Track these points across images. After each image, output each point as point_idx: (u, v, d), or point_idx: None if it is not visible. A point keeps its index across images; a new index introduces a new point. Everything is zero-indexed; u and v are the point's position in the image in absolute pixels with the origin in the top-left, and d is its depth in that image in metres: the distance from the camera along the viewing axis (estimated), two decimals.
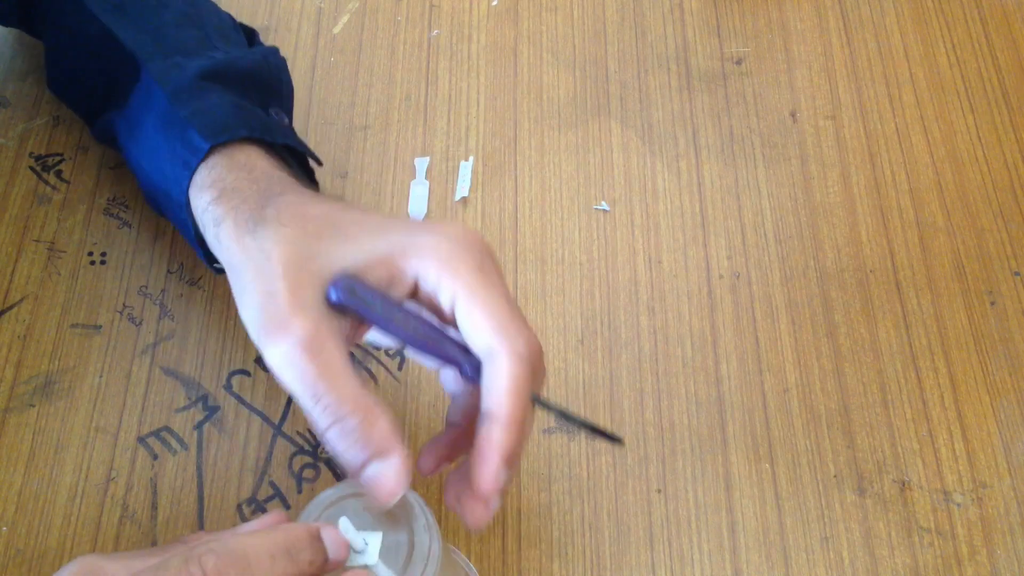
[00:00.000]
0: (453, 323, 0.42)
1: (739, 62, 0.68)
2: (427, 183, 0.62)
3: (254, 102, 0.52)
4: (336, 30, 0.69)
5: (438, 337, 0.43)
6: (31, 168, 0.62)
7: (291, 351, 0.39)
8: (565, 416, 0.45)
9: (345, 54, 0.67)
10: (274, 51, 0.56)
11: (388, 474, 0.40)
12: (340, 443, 0.39)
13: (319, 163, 0.54)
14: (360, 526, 0.41)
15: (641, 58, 0.68)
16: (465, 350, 0.42)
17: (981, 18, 0.70)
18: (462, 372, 0.42)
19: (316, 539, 0.38)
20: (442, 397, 0.56)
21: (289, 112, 0.56)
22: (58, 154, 0.63)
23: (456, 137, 0.64)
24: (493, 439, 0.40)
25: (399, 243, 0.42)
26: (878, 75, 0.67)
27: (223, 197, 0.46)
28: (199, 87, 0.50)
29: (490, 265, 0.42)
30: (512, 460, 0.40)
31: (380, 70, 0.67)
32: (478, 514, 0.41)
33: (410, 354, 0.53)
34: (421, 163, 0.63)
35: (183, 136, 0.49)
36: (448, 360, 0.43)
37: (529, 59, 0.68)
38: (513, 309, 0.41)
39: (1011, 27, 0.69)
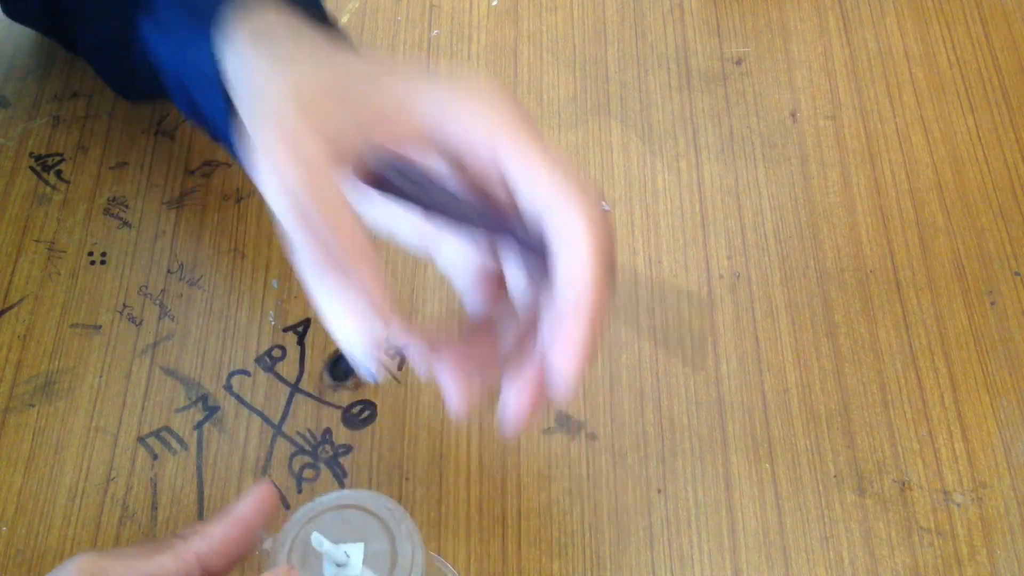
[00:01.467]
0: (484, 184, 0.35)
1: (739, 62, 0.68)
2: None
3: None
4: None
5: (481, 204, 0.35)
6: (31, 168, 0.62)
7: (292, 168, 0.34)
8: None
9: None
10: None
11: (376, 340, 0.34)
12: (332, 284, 0.35)
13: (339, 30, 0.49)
14: (340, 538, 0.40)
15: (641, 58, 0.68)
16: (516, 217, 0.34)
17: (981, 18, 0.70)
18: (520, 242, 0.34)
19: None
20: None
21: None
22: (58, 154, 0.63)
23: None
24: (569, 333, 0.33)
25: (429, 96, 0.35)
26: (878, 75, 0.67)
27: (252, 39, 0.40)
28: None
29: (531, 120, 0.34)
30: (591, 356, 0.33)
31: None
32: (536, 414, 0.35)
33: (425, 240, 0.40)
34: None
35: (206, 3, 0.43)
36: (501, 229, 0.34)
37: (529, 59, 0.68)
38: (575, 171, 0.33)
39: (1011, 27, 0.69)
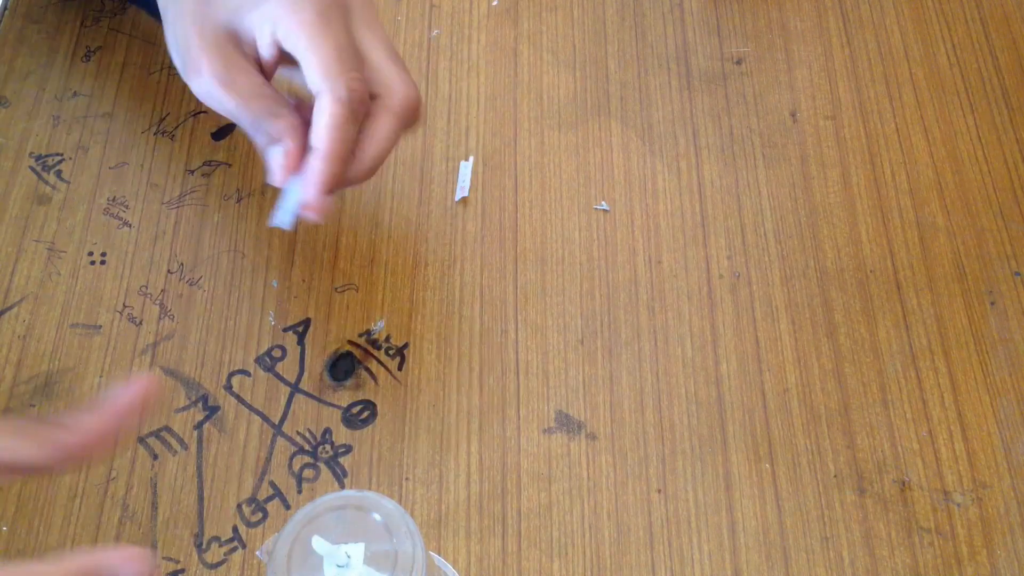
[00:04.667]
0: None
1: (739, 62, 0.68)
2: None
3: None
4: None
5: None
6: (31, 168, 0.62)
7: (208, 86, 0.47)
8: None
9: None
10: None
11: (277, 156, 0.47)
12: (255, 136, 0.48)
13: None
14: (341, 539, 0.40)
15: (641, 58, 0.68)
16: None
17: (981, 18, 0.70)
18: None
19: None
20: (442, 397, 0.56)
21: None
22: (58, 154, 0.63)
23: (456, 137, 0.64)
24: (314, 168, 0.46)
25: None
26: (878, 75, 0.67)
27: None
28: None
29: (335, 11, 0.47)
30: (336, 183, 0.47)
31: None
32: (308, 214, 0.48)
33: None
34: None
35: None
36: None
37: (529, 59, 0.68)
38: (342, 52, 0.46)
39: (1011, 27, 0.69)
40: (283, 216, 0.48)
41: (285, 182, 0.48)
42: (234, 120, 0.48)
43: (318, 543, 0.39)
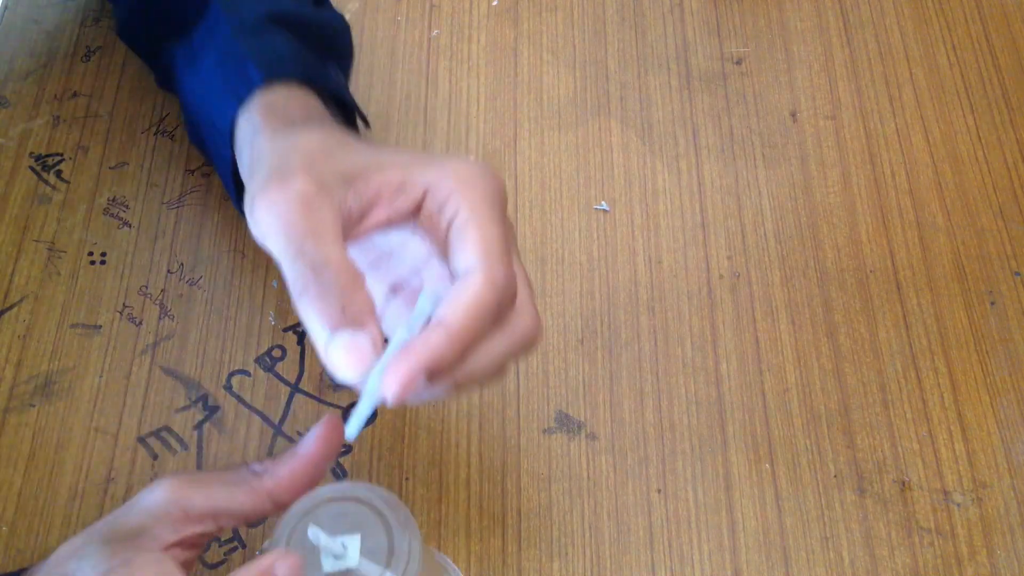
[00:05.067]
0: (444, 246, 0.41)
1: (739, 62, 0.68)
2: None
3: (316, 54, 0.53)
4: None
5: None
6: (31, 168, 0.63)
7: (286, 202, 0.38)
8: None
9: None
10: (341, 16, 0.59)
11: (360, 345, 0.37)
12: (316, 304, 0.37)
13: (367, 124, 0.55)
14: (337, 530, 0.40)
15: (641, 58, 0.68)
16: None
17: (981, 18, 0.70)
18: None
19: None
20: (443, 400, 0.56)
21: (347, 74, 0.57)
22: (58, 154, 0.63)
23: (456, 137, 0.64)
24: (431, 340, 0.37)
25: (421, 158, 0.42)
26: (878, 75, 0.67)
27: (269, 114, 0.46)
28: (264, 27, 0.51)
29: (500, 202, 0.41)
30: (437, 372, 0.38)
31: (380, 70, 0.67)
32: (386, 390, 0.38)
33: None
34: None
35: (240, 69, 0.49)
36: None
37: (529, 59, 0.68)
38: (507, 245, 0.40)
39: (1011, 27, 0.69)
40: (356, 424, 0.39)
41: (363, 379, 0.38)
42: (289, 269, 0.38)
43: (314, 534, 0.39)
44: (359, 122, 0.56)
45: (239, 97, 0.48)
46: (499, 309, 0.39)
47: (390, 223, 0.42)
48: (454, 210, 0.40)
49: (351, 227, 0.41)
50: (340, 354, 0.37)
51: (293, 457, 0.42)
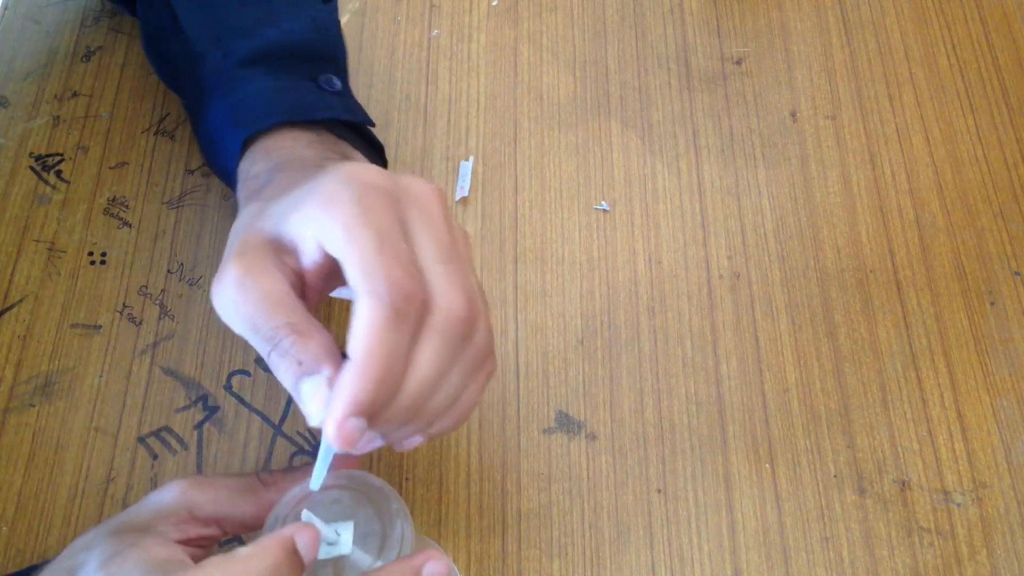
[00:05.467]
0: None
1: (739, 62, 0.68)
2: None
3: (303, 75, 0.53)
4: None
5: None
6: (31, 168, 0.62)
7: (227, 291, 0.40)
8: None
9: None
10: (326, 11, 0.56)
11: (317, 387, 0.38)
12: (279, 366, 0.39)
13: (371, 123, 0.55)
14: (331, 517, 0.41)
15: (641, 58, 0.68)
16: None
17: (981, 18, 0.70)
18: None
19: (293, 553, 0.38)
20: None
21: (343, 70, 0.56)
22: (58, 154, 0.63)
23: (456, 137, 0.64)
24: (344, 381, 0.37)
25: (293, 202, 0.41)
26: (878, 75, 0.67)
27: (243, 182, 0.49)
28: (239, 76, 0.52)
29: (373, 203, 0.39)
30: (374, 410, 0.38)
31: (380, 70, 0.67)
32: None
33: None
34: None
35: (227, 130, 0.51)
36: None
37: (529, 59, 0.68)
38: (384, 242, 0.38)
39: (1011, 27, 0.69)
40: (317, 476, 0.40)
41: (320, 416, 0.38)
42: (256, 345, 0.40)
43: (308, 520, 0.40)
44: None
45: (232, 160, 0.51)
46: (402, 316, 0.38)
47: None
48: (328, 238, 0.39)
49: (321, 281, 0.42)
50: (304, 402, 0.39)
51: (297, 473, 0.44)
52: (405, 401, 0.39)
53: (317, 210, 0.39)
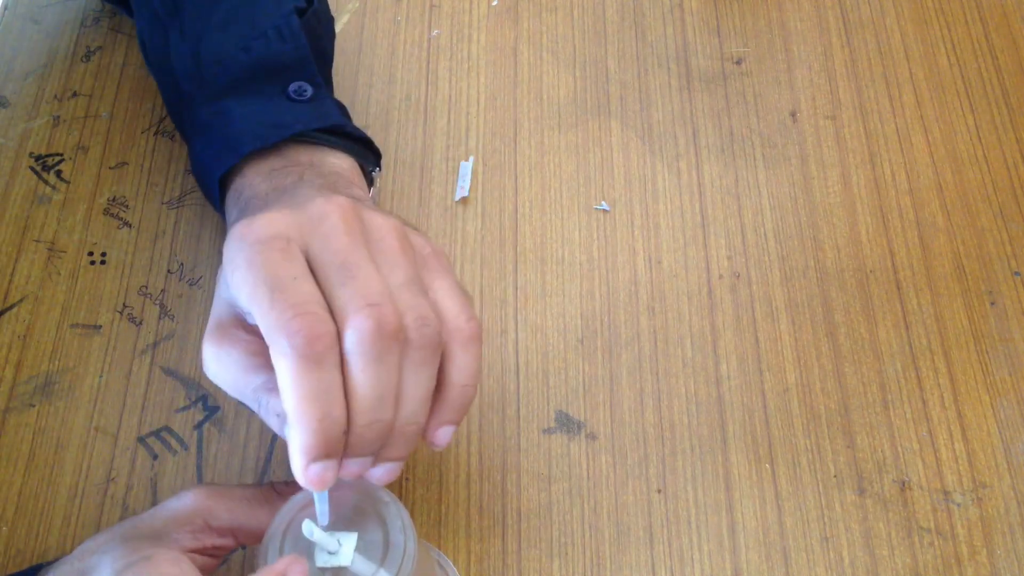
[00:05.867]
0: None
1: (739, 62, 0.68)
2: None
3: (274, 91, 0.53)
4: (336, 30, 0.69)
5: None
6: (31, 168, 0.62)
7: (209, 367, 0.43)
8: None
9: (345, 54, 0.67)
10: (283, 15, 0.55)
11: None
12: (266, 420, 0.42)
13: (340, 123, 0.54)
14: (333, 526, 0.40)
15: (641, 58, 0.68)
16: None
17: (981, 18, 0.70)
18: None
19: None
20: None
21: (313, 72, 0.55)
22: (58, 154, 0.63)
23: (456, 137, 0.64)
24: (290, 438, 0.39)
25: (224, 263, 0.43)
26: (878, 75, 0.67)
27: (233, 194, 0.51)
28: (214, 110, 0.53)
29: (265, 253, 0.40)
30: (329, 451, 0.39)
31: (380, 70, 0.67)
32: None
33: None
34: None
35: (210, 167, 0.52)
36: None
37: (529, 59, 0.68)
38: (277, 287, 0.39)
39: (1011, 27, 0.69)
40: (320, 509, 0.41)
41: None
42: (247, 406, 0.42)
43: (308, 529, 0.39)
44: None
45: (218, 202, 0.53)
46: (315, 359, 0.38)
47: None
48: (239, 304, 0.41)
49: None
50: (290, 451, 0.40)
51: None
52: (363, 422, 0.39)
53: (227, 277, 0.41)
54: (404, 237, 0.43)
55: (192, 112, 0.55)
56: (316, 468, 0.38)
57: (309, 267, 0.40)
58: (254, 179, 0.50)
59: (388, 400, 0.40)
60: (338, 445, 0.39)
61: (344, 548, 0.40)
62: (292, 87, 0.54)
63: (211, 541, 0.43)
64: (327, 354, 0.38)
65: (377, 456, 0.41)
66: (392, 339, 0.39)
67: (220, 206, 0.53)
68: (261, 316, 0.39)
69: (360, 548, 0.40)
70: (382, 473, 0.41)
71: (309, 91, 0.54)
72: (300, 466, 0.38)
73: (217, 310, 0.43)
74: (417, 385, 0.41)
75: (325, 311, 0.39)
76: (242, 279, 0.40)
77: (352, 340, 0.39)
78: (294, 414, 0.38)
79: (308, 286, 0.39)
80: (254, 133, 0.51)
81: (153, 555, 0.39)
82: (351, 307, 0.39)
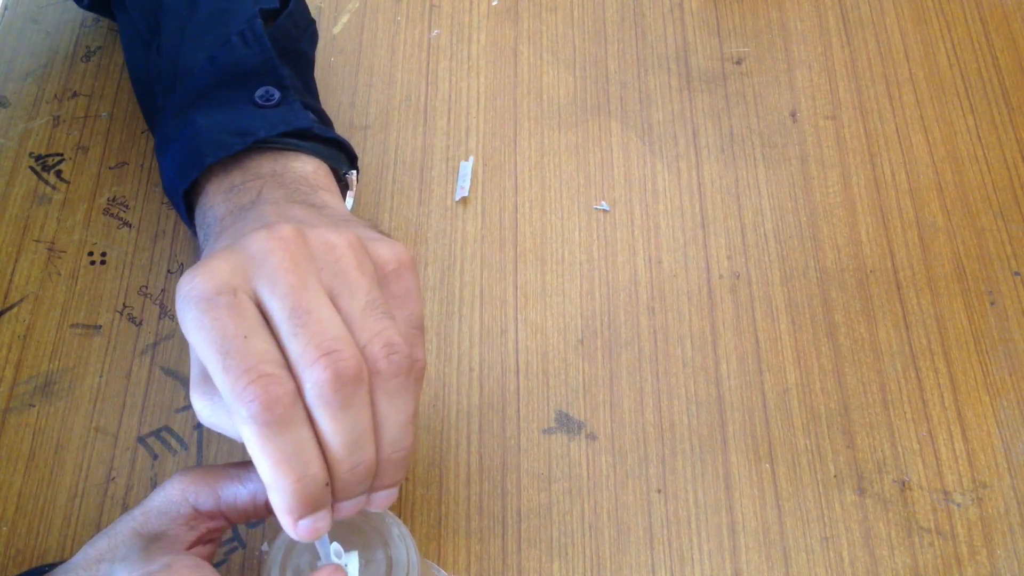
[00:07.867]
0: None
1: (739, 62, 0.68)
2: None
3: (241, 97, 0.52)
4: (336, 30, 0.69)
5: None
6: (31, 168, 0.62)
7: (206, 418, 0.40)
8: None
9: (345, 54, 0.67)
10: (248, 20, 0.54)
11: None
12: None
13: (308, 125, 0.51)
14: (336, 541, 0.40)
15: (641, 58, 0.68)
16: None
17: (981, 18, 0.70)
18: None
19: None
20: (442, 397, 0.56)
21: (280, 76, 0.53)
22: (58, 154, 0.63)
23: (456, 137, 0.64)
24: (272, 502, 0.38)
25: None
26: (878, 75, 0.67)
27: (200, 212, 0.50)
28: (179, 122, 0.51)
29: (211, 309, 0.37)
30: (313, 504, 0.38)
31: (380, 70, 0.67)
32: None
33: None
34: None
35: (175, 182, 0.51)
36: None
37: (529, 59, 0.68)
38: (229, 364, 0.37)
39: (1011, 27, 0.69)
40: (323, 551, 0.41)
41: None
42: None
43: (336, 550, 0.40)
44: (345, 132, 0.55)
45: (183, 214, 0.52)
46: (277, 421, 0.36)
47: None
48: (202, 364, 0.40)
49: None
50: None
51: None
52: (345, 468, 0.38)
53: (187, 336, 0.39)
54: (360, 252, 0.40)
55: (162, 126, 0.53)
56: (306, 523, 0.37)
57: (261, 312, 0.38)
58: (215, 199, 0.48)
59: (366, 440, 0.38)
60: (323, 497, 0.38)
61: (349, 568, 0.40)
62: (259, 92, 0.52)
63: (204, 526, 0.42)
64: (289, 414, 0.36)
65: (370, 488, 0.40)
66: (354, 383, 0.37)
67: (191, 223, 0.51)
68: (216, 382, 0.37)
69: (362, 566, 0.40)
70: (380, 499, 0.40)
71: (276, 95, 0.52)
72: (288, 524, 0.37)
73: (195, 361, 0.41)
74: (396, 412, 0.39)
75: (281, 367, 0.37)
76: (194, 341, 0.38)
77: (312, 394, 0.37)
78: (268, 480, 0.37)
79: (260, 343, 0.37)
80: (217, 143, 0.49)
81: (172, 562, 0.39)
82: (304, 360, 0.37)
